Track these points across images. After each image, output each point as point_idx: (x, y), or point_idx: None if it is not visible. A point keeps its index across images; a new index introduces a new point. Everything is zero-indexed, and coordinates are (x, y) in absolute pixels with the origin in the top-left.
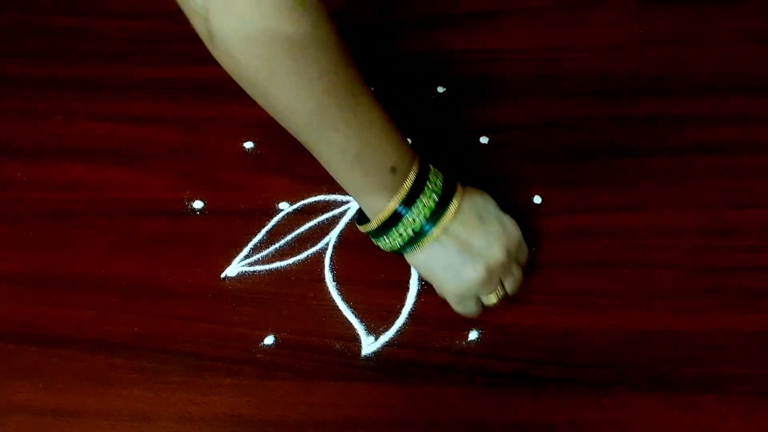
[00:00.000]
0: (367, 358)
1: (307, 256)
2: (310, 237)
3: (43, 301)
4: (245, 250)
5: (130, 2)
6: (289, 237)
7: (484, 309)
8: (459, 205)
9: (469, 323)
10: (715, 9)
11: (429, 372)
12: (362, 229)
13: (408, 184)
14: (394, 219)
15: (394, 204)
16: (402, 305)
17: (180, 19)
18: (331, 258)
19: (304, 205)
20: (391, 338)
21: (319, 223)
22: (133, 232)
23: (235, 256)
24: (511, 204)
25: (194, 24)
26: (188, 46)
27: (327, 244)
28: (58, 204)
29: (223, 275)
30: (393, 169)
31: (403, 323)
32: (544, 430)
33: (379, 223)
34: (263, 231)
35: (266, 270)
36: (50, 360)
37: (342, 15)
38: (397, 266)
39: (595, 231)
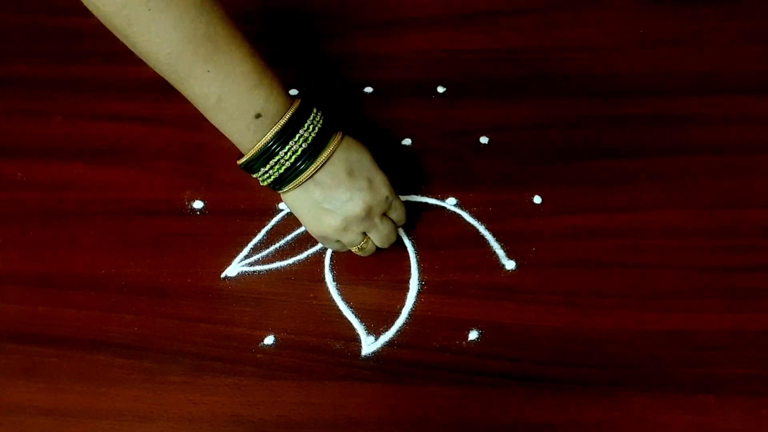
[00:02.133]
0: (367, 358)
1: (307, 256)
2: (310, 237)
3: (43, 301)
4: (245, 250)
5: None
6: (289, 237)
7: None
8: (329, 156)
9: (469, 323)
10: (715, 9)
11: (429, 372)
12: (238, 162)
13: (276, 129)
14: (262, 158)
15: (259, 147)
16: (402, 305)
17: None
18: (331, 258)
19: None
20: (391, 338)
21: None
22: (133, 232)
23: (235, 256)
24: (512, 204)
25: None
26: None
27: None
28: (58, 204)
29: (223, 275)
30: (258, 116)
31: (403, 323)
32: (544, 430)
33: (247, 161)
34: (263, 231)
35: (266, 270)
36: (50, 360)
37: (342, 15)
38: (397, 266)
39: (595, 231)
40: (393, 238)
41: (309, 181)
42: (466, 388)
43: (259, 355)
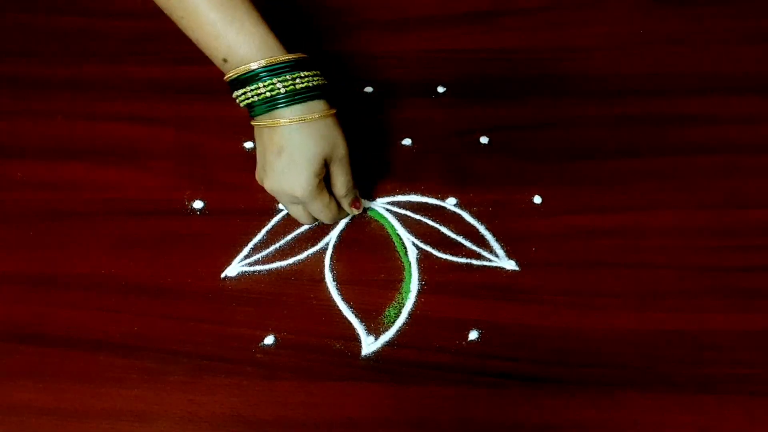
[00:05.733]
0: (367, 358)
1: (307, 256)
2: (310, 237)
3: (43, 301)
4: (245, 250)
5: (129, 2)
6: (289, 237)
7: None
8: (275, 127)
9: (469, 323)
10: (714, 9)
11: (429, 372)
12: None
13: (232, 75)
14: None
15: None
16: (402, 305)
17: None
18: (331, 258)
19: None
20: (391, 338)
21: (319, 223)
22: (133, 232)
23: (235, 256)
24: (512, 204)
25: None
26: (188, 45)
27: (327, 244)
28: (58, 204)
29: (223, 275)
30: (225, 60)
31: (403, 323)
32: (544, 430)
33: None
34: (263, 231)
35: (266, 270)
36: (50, 360)
37: (342, 14)
38: (396, 266)
39: (595, 231)
40: (330, 215)
41: (257, 128)
42: (466, 388)
43: (259, 355)
